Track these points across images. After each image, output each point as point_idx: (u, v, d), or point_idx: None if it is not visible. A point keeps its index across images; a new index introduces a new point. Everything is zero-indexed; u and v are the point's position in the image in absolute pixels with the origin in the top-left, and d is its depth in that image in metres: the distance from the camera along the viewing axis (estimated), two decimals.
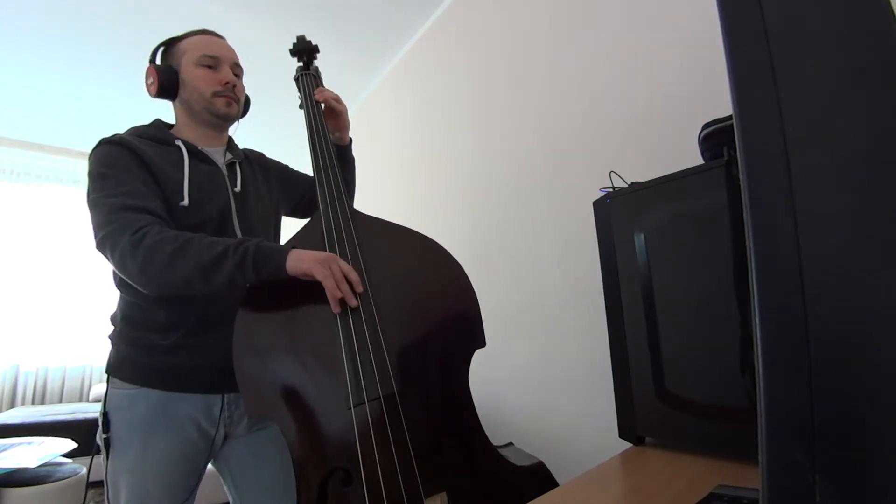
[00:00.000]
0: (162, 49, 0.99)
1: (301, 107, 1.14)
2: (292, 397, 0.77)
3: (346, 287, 0.78)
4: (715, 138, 0.75)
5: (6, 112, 2.93)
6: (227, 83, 0.96)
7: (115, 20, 2.09)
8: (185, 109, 0.98)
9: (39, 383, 3.34)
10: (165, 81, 0.94)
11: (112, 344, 0.92)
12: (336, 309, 0.78)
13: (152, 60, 0.98)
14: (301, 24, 2.13)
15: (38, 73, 2.49)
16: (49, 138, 3.35)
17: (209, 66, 0.96)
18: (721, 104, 0.92)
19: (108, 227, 0.79)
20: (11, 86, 2.61)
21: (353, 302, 0.78)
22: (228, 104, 0.97)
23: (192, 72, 0.95)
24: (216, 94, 0.96)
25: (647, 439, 0.77)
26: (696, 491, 0.53)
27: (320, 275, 0.76)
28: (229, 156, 1.01)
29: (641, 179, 0.82)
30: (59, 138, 3.34)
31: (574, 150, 1.39)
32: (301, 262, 0.76)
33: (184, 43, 0.98)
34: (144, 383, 0.87)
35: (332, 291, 0.76)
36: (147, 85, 0.97)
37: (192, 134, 0.98)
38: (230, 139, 1.06)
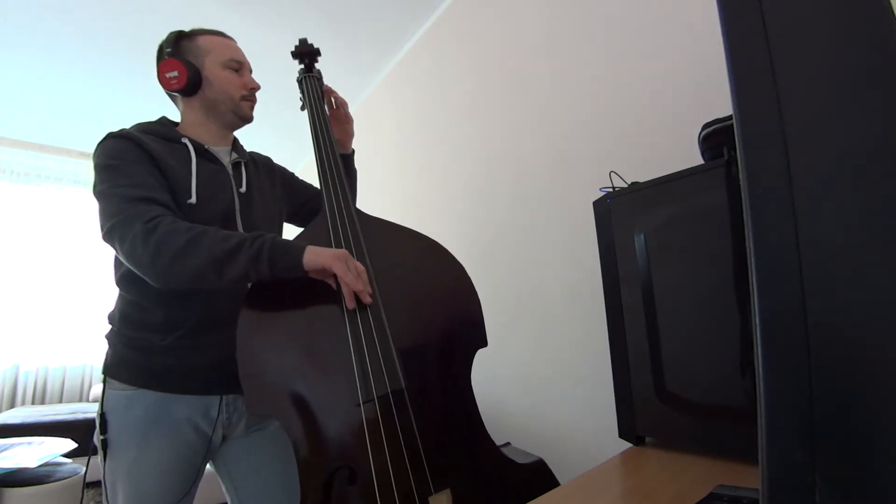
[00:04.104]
0: (175, 42, 0.96)
1: (303, 108, 1.15)
2: (298, 395, 0.77)
3: (361, 284, 0.78)
4: (715, 138, 0.75)
5: (6, 112, 2.93)
6: (252, 88, 1.01)
7: (115, 20, 2.09)
8: (204, 108, 0.98)
9: (39, 383, 3.34)
10: (193, 78, 0.94)
11: (109, 344, 0.91)
12: (351, 304, 0.78)
13: (171, 53, 0.94)
14: (301, 24, 2.13)
15: (39, 73, 2.49)
16: (49, 138, 3.35)
17: (235, 70, 0.99)
18: (721, 104, 0.92)
19: (118, 217, 0.78)
20: (11, 86, 2.61)
21: (368, 299, 0.79)
22: (252, 108, 1.02)
23: (220, 73, 0.96)
24: (244, 98, 0.99)
25: (647, 439, 0.77)
26: (696, 491, 0.53)
27: (340, 270, 0.75)
28: (235, 156, 1.01)
29: (641, 179, 0.82)
30: (59, 138, 3.34)
31: (574, 149, 1.39)
32: (319, 257, 0.76)
33: (203, 41, 0.97)
34: (142, 384, 0.86)
35: (352, 285, 0.76)
36: (166, 77, 0.93)
37: (200, 132, 0.98)
38: (235, 139, 1.06)
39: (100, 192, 0.83)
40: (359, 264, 0.79)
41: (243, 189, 0.97)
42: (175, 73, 0.93)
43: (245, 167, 1.02)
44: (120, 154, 0.84)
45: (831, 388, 0.22)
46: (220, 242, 0.75)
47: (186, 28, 1.00)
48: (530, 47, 1.58)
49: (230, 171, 0.98)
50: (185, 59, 0.94)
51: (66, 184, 3.55)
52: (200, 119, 0.99)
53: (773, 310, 0.24)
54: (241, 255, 0.75)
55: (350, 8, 2.06)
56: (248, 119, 1.02)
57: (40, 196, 3.49)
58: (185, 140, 0.93)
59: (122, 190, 0.80)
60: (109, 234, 0.79)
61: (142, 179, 0.82)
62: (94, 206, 0.84)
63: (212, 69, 0.96)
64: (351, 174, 1.17)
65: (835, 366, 0.22)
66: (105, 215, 0.80)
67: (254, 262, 0.75)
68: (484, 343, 0.87)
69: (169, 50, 0.95)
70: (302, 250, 0.77)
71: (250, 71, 1.03)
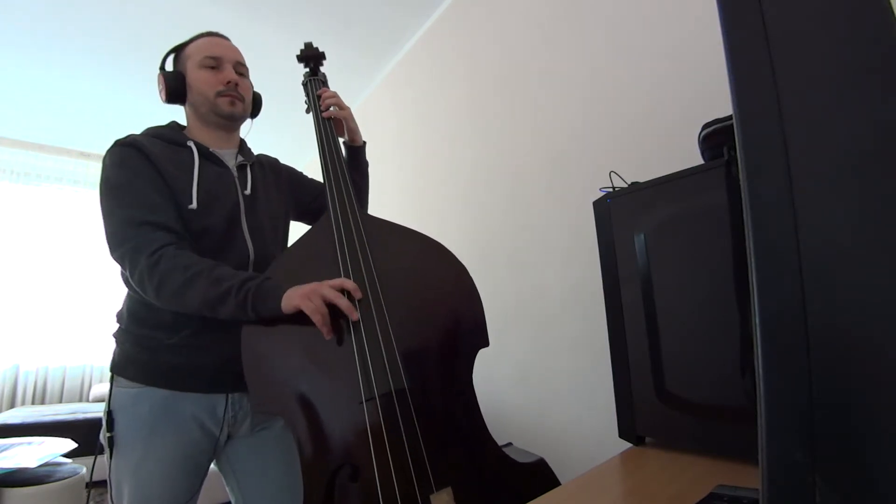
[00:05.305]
0: (172, 56, 1.01)
1: (308, 111, 1.15)
2: (302, 393, 0.78)
3: (344, 302, 0.78)
4: (715, 138, 0.75)
5: (6, 112, 2.93)
6: (228, 82, 0.97)
7: (115, 20, 2.09)
8: (194, 112, 0.99)
9: (39, 383, 3.34)
10: (173, 87, 0.96)
11: (116, 342, 0.92)
12: (328, 336, 0.78)
13: (162, 67, 1.00)
14: (300, 25, 2.13)
15: (38, 72, 2.49)
16: (49, 138, 3.35)
17: (211, 67, 0.97)
18: (721, 104, 0.93)
19: (126, 246, 0.82)
20: (11, 86, 2.62)
21: (354, 316, 0.79)
22: (232, 103, 0.97)
23: (197, 75, 0.96)
24: (219, 94, 0.96)
25: (647, 439, 0.77)
26: (696, 491, 0.53)
27: (308, 309, 0.76)
28: (240, 158, 1.02)
29: (641, 179, 0.82)
30: (59, 138, 3.34)
31: (574, 150, 1.39)
32: (291, 301, 0.77)
33: (189, 47, 0.99)
34: (149, 382, 0.87)
35: (319, 325, 0.77)
36: (158, 92, 0.99)
37: (203, 136, 0.99)
38: (242, 142, 1.07)
39: (107, 209, 0.86)
40: (332, 292, 0.78)
41: (248, 191, 0.98)
42: (160, 87, 0.99)
43: (251, 169, 1.02)
44: (125, 165, 0.86)
45: (831, 388, 0.22)
46: (211, 287, 0.79)
47: (183, 28, 1.01)
48: (530, 47, 1.58)
49: (235, 174, 0.99)
50: (170, 71, 0.98)
51: (66, 184, 3.55)
52: (197, 124, 1.00)
53: (773, 310, 0.24)
54: (230, 300, 0.79)
55: (350, 9, 2.06)
56: (227, 116, 0.97)
57: (40, 196, 3.49)
58: (191, 143, 0.95)
59: (128, 212, 0.83)
60: (120, 260, 0.84)
61: (147, 199, 0.85)
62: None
63: (191, 73, 0.97)
64: (361, 167, 1.16)
65: (835, 366, 0.22)
66: (114, 239, 0.84)
67: (241, 308, 0.79)
68: (486, 343, 0.87)
69: (160, 65, 1.00)
70: (281, 296, 0.78)
71: (240, 64, 1.00)
